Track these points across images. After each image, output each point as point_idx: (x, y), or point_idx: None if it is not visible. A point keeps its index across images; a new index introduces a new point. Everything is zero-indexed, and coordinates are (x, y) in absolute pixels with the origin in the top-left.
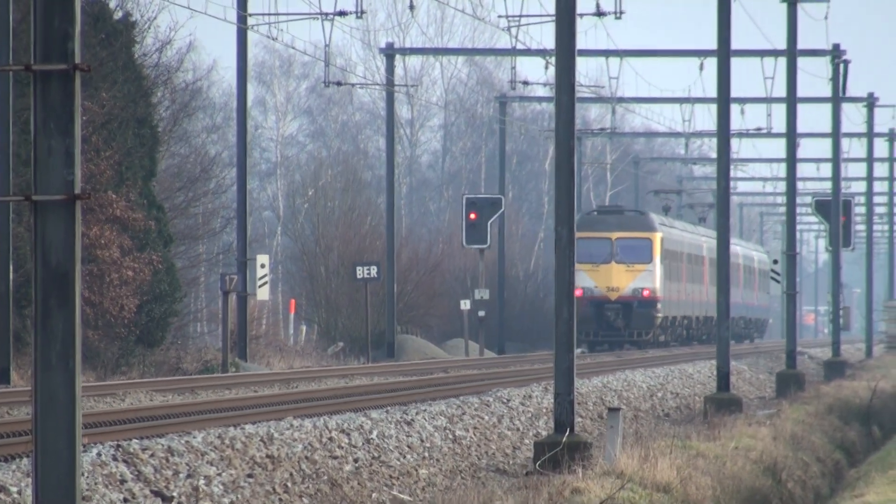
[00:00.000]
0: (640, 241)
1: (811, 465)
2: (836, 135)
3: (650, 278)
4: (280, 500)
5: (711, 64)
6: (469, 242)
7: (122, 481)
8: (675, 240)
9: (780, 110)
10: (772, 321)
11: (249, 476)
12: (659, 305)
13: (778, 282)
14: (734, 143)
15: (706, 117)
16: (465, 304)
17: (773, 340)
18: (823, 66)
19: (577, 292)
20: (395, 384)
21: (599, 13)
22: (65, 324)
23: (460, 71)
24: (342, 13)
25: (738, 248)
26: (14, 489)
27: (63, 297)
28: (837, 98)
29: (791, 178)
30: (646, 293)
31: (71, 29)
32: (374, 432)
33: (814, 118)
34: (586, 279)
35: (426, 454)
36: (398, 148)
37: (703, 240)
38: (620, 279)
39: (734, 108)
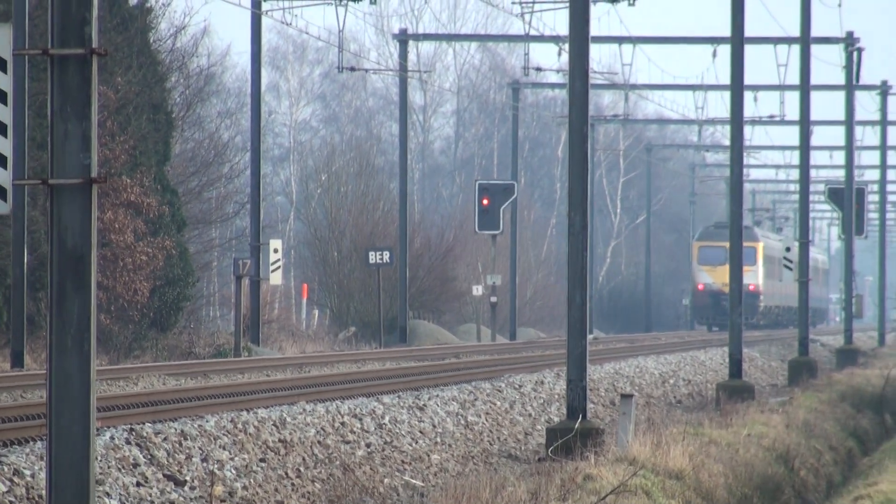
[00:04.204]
0: (747, 249)
1: (824, 453)
2: (849, 122)
3: (755, 276)
4: (292, 484)
5: (725, 51)
6: (481, 228)
7: (135, 465)
8: (771, 246)
9: (793, 98)
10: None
11: (262, 460)
12: (761, 297)
13: (791, 269)
14: (747, 130)
15: (719, 104)
16: (478, 290)
17: (831, 327)
18: (837, 53)
19: (699, 286)
20: (407, 369)
21: None
22: (80, 307)
23: (473, 57)
24: None
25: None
26: (28, 472)
27: (79, 280)
28: (851, 86)
29: (804, 166)
30: (751, 287)
31: (88, 14)
32: (387, 417)
33: (827, 106)
34: (706, 276)
35: (438, 439)
36: (411, 134)
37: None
38: None
39: (747, 96)
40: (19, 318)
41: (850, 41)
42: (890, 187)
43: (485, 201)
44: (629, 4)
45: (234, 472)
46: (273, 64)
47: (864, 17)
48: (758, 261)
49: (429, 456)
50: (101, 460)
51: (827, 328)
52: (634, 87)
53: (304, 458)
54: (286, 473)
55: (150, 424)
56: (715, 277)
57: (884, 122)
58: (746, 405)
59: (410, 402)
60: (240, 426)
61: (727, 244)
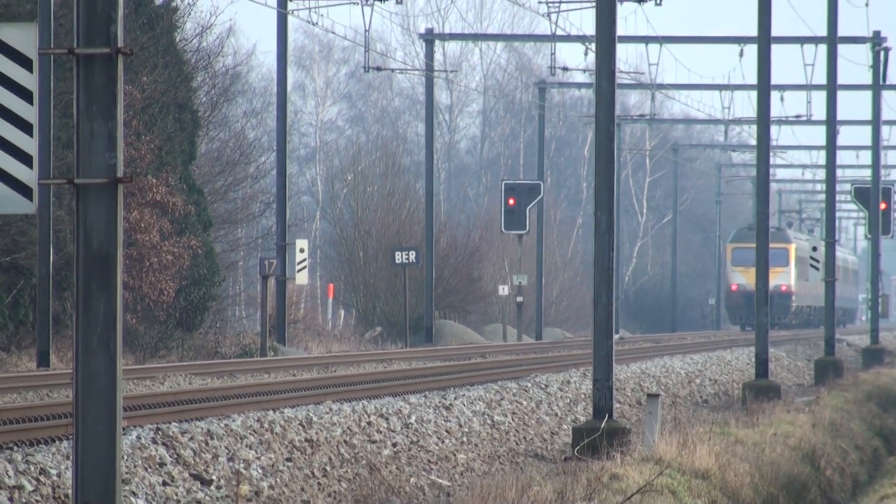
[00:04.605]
0: (779, 250)
1: (850, 453)
2: (876, 122)
3: (787, 277)
4: (319, 483)
5: (751, 50)
6: (507, 228)
7: (162, 464)
8: (803, 248)
9: (820, 97)
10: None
11: (288, 460)
12: (793, 297)
13: (817, 269)
14: (774, 130)
15: (746, 104)
16: (504, 290)
17: (857, 326)
18: (864, 52)
19: (733, 287)
20: (433, 369)
21: None
22: (106, 307)
23: (499, 56)
24: None
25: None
26: (54, 472)
27: (105, 280)
28: (878, 85)
29: (831, 166)
30: (783, 288)
31: (114, 13)
32: (413, 417)
33: (854, 105)
34: (740, 277)
35: (464, 439)
36: (437, 133)
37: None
38: None
39: (774, 95)
40: (45, 318)
41: (876, 41)
42: None
43: (511, 201)
44: (656, 4)
45: (260, 471)
46: (299, 63)
47: (892, 16)
48: (790, 262)
49: (455, 455)
50: (127, 459)
51: (854, 328)
52: (661, 86)
53: (330, 458)
54: (312, 473)
55: (176, 424)
56: (748, 278)
57: None
58: (772, 405)
59: (437, 402)
60: (266, 426)
61: None
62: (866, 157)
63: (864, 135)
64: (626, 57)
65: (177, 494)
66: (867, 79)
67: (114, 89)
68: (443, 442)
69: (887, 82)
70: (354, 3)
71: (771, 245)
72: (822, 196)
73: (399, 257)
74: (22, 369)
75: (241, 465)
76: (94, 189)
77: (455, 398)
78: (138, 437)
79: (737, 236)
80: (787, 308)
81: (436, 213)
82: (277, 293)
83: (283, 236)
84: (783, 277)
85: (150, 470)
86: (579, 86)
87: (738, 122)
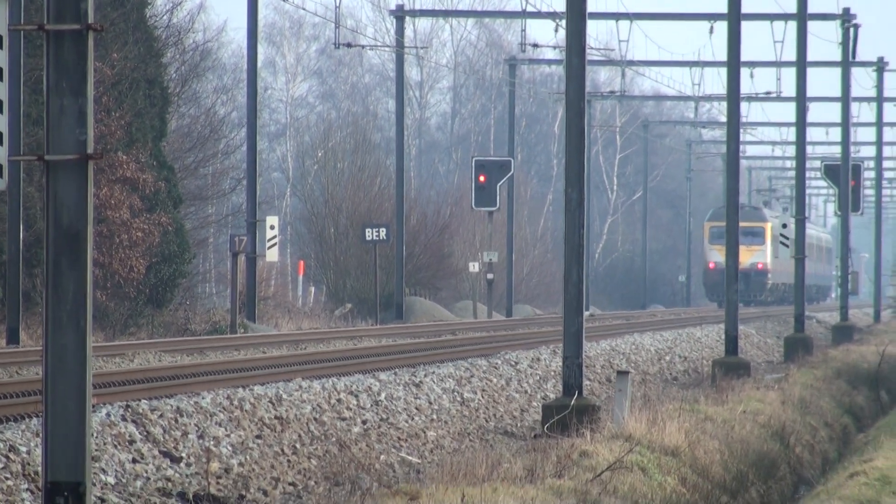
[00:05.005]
0: (756, 229)
1: (819, 430)
2: (845, 99)
3: (763, 255)
4: (288, 461)
5: (721, 27)
6: (478, 205)
7: (131, 441)
8: (779, 226)
9: (789, 74)
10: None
11: (258, 437)
12: (769, 275)
13: (787, 246)
14: (744, 106)
15: (716, 81)
16: (474, 267)
17: (828, 303)
18: (833, 29)
19: (711, 265)
20: (403, 346)
21: None
22: (76, 283)
23: (470, 33)
24: None
25: (809, 229)
26: (23, 449)
27: (74, 256)
28: (847, 62)
29: (801, 143)
30: (760, 266)
31: None
32: (383, 394)
33: (823, 82)
34: (717, 255)
35: (434, 416)
36: (407, 110)
37: None
38: (743, 256)
39: (744, 72)
40: (15, 295)
41: (846, 17)
42: (886, 163)
43: (481, 178)
44: None
45: (230, 448)
46: (269, 40)
47: None
48: (766, 240)
49: (425, 432)
50: (97, 437)
51: (826, 305)
52: (631, 63)
53: (300, 435)
54: (282, 450)
55: (146, 401)
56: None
57: (880, 99)
58: (742, 382)
59: (406, 379)
60: (236, 403)
61: (739, 224)
62: (836, 134)
63: (833, 111)
64: (597, 33)
65: (146, 472)
66: (837, 55)
67: (84, 65)
68: (412, 419)
69: (857, 59)
70: None
71: (748, 223)
72: (793, 173)
73: (369, 234)
74: None
75: (211, 443)
76: (64, 166)
77: (425, 375)
78: (108, 415)
79: (714, 215)
80: (763, 285)
81: (406, 190)
82: (248, 270)
83: (253, 213)
84: (759, 255)
85: (119, 447)
86: (550, 62)
87: (709, 98)
